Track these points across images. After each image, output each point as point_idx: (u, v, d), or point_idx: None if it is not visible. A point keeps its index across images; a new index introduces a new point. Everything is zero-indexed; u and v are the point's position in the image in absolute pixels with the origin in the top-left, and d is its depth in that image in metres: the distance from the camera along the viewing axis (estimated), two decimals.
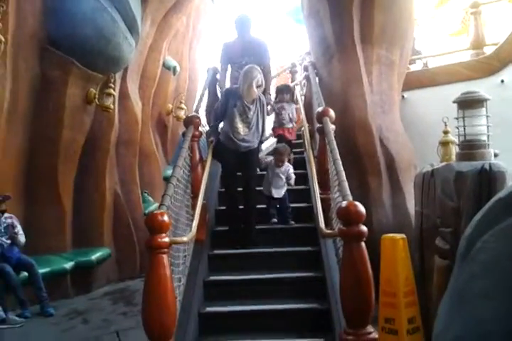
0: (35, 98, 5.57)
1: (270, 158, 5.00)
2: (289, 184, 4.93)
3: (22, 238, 5.11)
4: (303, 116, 5.96)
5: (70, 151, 5.98)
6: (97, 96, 6.04)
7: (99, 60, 5.83)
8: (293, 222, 4.83)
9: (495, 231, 2.36)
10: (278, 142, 6.02)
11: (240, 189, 4.74)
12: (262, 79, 4.64)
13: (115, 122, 6.65)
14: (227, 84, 5.88)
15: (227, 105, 4.63)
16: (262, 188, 4.96)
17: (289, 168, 4.99)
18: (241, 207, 4.72)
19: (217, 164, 5.17)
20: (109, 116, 6.46)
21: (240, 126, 4.57)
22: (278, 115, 6.01)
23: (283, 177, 4.88)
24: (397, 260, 2.86)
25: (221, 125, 4.90)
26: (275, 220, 4.85)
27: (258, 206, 4.82)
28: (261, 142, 4.92)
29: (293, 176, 4.95)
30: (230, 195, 4.71)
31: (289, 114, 6.02)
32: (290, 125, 6.06)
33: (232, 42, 5.87)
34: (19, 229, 5.11)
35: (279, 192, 4.85)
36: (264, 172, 5.07)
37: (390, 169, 5.43)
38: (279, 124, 6.03)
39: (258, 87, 4.58)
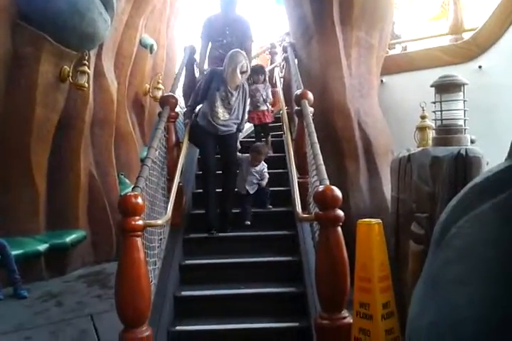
0: (7, 75, 5.38)
1: (246, 155, 4.80)
2: (259, 184, 4.79)
3: None
4: (281, 98, 5.91)
5: (43, 130, 5.81)
6: (70, 74, 5.87)
7: (73, 36, 5.63)
8: (270, 206, 4.80)
9: (470, 217, 2.35)
10: (255, 128, 5.88)
11: (218, 172, 4.66)
12: (248, 65, 4.52)
13: (90, 101, 6.47)
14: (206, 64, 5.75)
15: (209, 86, 4.52)
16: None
17: (263, 167, 4.84)
18: (218, 190, 4.62)
19: (194, 146, 5.09)
20: (83, 94, 6.29)
21: (221, 111, 4.47)
22: (252, 97, 5.63)
23: (257, 175, 4.75)
24: (372, 245, 2.85)
25: (199, 106, 4.77)
26: (248, 223, 4.62)
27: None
28: (239, 130, 4.77)
29: (267, 176, 4.81)
30: (207, 177, 4.58)
31: (262, 95, 5.76)
32: (265, 107, 5.82)
33: (214, 18, 5.64)
34: None
35: (253, 188, 4.75)
36: None
37: (367, 153, 5.44)
38: (253, 107, 5.71)
39: (242, 73, 4.44)
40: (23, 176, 5.70)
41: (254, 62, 6.99)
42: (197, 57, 5.90)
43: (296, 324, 3.43)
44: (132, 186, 3.37)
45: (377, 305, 2.76)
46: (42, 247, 5.64)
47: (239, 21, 5.56)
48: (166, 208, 3.82)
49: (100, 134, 7.11)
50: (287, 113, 5.50)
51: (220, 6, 5.70)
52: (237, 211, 4.70)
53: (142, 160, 7.77)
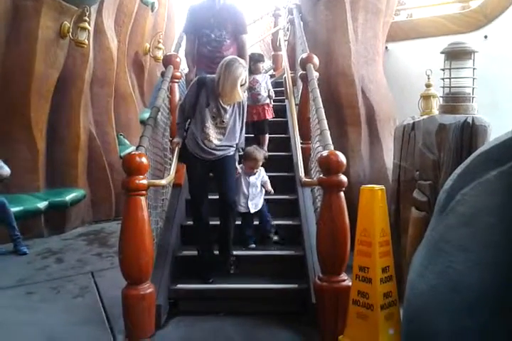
0: (7, 29, 5.29)
1: (239, 166, 4.01)
2: (268, 192, 4.11)
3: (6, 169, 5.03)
4: (285, 62, 5.83)
5: (43, 87, 5.75)
6: (71, 30, 5.76)
7: None
8: (276, 238, 4.07)
9: (475, 184, 2.37)
10: (253, 127, 5.00)
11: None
12: (247, 77, 3.57)
13: (90, 59, 6.37)
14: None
15: (197, 101, 3.59)
16: None
17: (261, 171, 4.14)
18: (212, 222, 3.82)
19: None
20: (83, 51, 6.18)
21: (212, 133, 3.57)
22: (251, 90, 4.87)
23: (258, 184, 4.04)
24: (374, 210, 2.88)
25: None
26: (253, 245, 4.00)
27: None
28: (238, 150, 3.83)
29: (267, 179, 4.14)
30: (198, 213, 3.73)
31: (264, 88, 5.01)
32: (266, 100, 5.05)
33: (199, 8, 4.62)
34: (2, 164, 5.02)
35: (256, 205, 4.02)
36: None
37: (369, 121, 5.42)
38: (253, 101, 4.93)
39: (242, 85, 3.51)
40: (22, 132, 5.68)
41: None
42: (183, 57, 4.84)
43: (295, 285, 3.51)
44: (132, 146, 3.34)
45: (377, 269, 2.81)
46: (41, 205, 5.68)
47: (228, 10, 4.54)
48: (169, 169, 3.83)
49: (100, 93, 7.04)
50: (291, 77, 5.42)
51: None
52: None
53: (142, 122, 7.81)
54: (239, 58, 3.61)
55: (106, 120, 7.15)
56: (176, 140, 3.74)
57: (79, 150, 6.38)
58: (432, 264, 2.28)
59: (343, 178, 3.10)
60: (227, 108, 3.58)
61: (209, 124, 3.55)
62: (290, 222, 4.13)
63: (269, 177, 4.42)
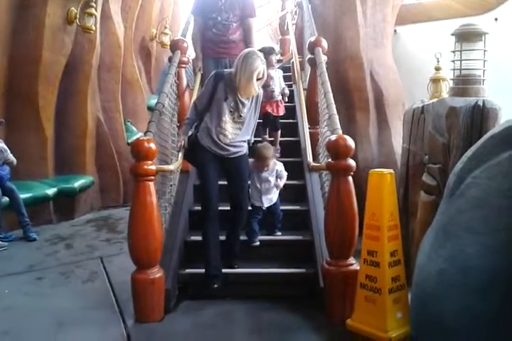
0: (14, 16, 5.29)
1: (251, 161, 3.81)
2: (277, 186, 3.86)
3: (12, 158, 5.06)
4: (293, 46, 5.77)
5: (51, 73, 5.74)
6: (78, 16, 5.74)
7: None
8: (279, 233, 3.92)
9: (486, 167, 2.35)
10: (264, 120, 4.74)
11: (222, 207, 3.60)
12: (265, 70, 3.40)
13: (97, 45, 6.36)
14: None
15: (213, 95, 3.43)
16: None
17: (276, 165, 3.89)
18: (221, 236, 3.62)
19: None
20: (90, 37, 6.17)
21: (229, 127, 3.43)
22: (265, 87, 4.53)
23: (272, 179, 3.83)
24: (383, 194, 2.86)
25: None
26: (257, 243, 3.80)
27: None
28: (248, 144, 3.67)
29: (284, 174, 3.89)
30: (207, 219, 3.47)
31: (279, 83, 4.80)
32: (280, 97, 4.82)
33: None
34: (8, 151, 5.04)
35: (271, 200, 3.85)
36: None
37: (378, 105, 5.39)
38: (266, 98, 4.64)
39: (258, 79, 3.38)
40: (30, 119, 5.70)
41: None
42: (189, 40, 4.77)
43: (303, 270, 3.51)
44: (140, 133, 3.33)
45: (385, 253, 2.81)
46: (50, 191, 5.71)
47: None
48: (177, 155, 3.82)
49: (107, 80, 7.03)
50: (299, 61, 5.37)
51: None
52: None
53: (149, 108, 7.79)
54: (257, 51, 3.47)
55: (113, 106, 7.15)
56: (181, 139, 3.59)
57: (87, 137, 6.39)
58: (442, 248, 2.27)
59: (352, 163, 3.08)
60: (246, 102, 3.45)
61: (226, 118, 3.41)
62: (298, 207, 4.12)
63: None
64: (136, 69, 8.07)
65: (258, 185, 3.80)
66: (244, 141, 3.56)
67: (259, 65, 3.32)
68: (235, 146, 3.49)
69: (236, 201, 3.55)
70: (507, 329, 1.96)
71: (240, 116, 3.45)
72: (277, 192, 3.87)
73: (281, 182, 3.84)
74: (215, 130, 3.42)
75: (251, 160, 3.79)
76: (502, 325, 1.98)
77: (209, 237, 3.46)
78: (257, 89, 3.40)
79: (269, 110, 4.75)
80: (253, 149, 3.78)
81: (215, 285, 3.36)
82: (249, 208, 3.78)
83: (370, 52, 5.38)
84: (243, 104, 3.44)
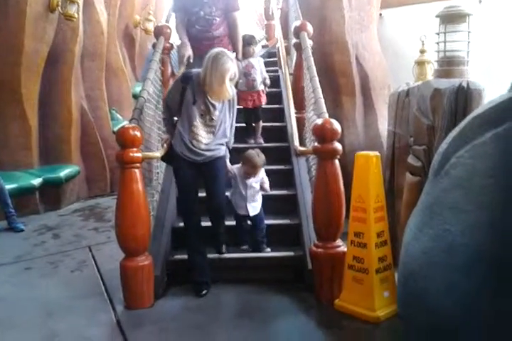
0: None
1: (237, 167, 3.65)
2: (265, 190, 3.72)
3: None
4: (279, 31, 5.74)
5: (33, 62, 5.67)
6: (59, 3, 5.64)
7: None
8: (269, 249, 3.67)
9: (470, 147, 2.36)
10: (246, 114, 4.67)
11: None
12: (236, 71, 3.18)
13: (79, 32, 6.27)
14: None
15: (182, 98, 3.24)
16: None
17: (260, 173, 3.70)
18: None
19: None
20: (73, 25, 6.08)
21: (201, 132, 3.25)
22: (246, 76, 4.52)
23: (257, 185, 3.66)
24: (369, 177, 2.89)
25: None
26: (245, 247, 3.72)
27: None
28: (228, 148, 3.49)
29: (267, 180, 3.72)
30: (193, 228, 3.41)
31: (260, 72, 4.63)
32: (262, 86, 4.68)
33: None
34: None
35: (255, 208, 3.67)
36: None
37: (364, 89, 5.38)
38: (247, 88, 4.58)
39: (230, 80, 3.15)
40: (13, 109, 5.63)
41: None
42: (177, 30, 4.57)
43: (292, 253, 3.53)
44: (125, 121, 3.30)
45: (372, 234, 2.85)
46: (36, 181, 5.65)
47: None
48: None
49: (91, 68, 6.94)
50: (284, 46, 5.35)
51: None
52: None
53: (134, 96, 7.72)
54: (226, 51, 3.23)
55: (98, 95, 7.07)
56: (165, 137, 3.50)
57: (71, 126, 6.32)
58: (427, 227, 2.29)
59: (338, 146, 3.09)
60: (216, 104, 3.25)
61: (197, 123, 3.23)
62: (285, 192, 4.13)
63: (265, 147, 4.37)
64: (120, 57, 7.98)
65: (243, 192, 3.61)
66: (221, 144, 3.37)
67: (231, 66, 3.10)
68: (210, 150, 3.31)
69: (212, 204, 3.37)
70: (490, 307, 2.00)
71: (212, 119, 3.26)
72: (260, 198, 3.71)
73: (267, 185, 3.69)
74: (188, 135, 3.25)
75: (238, 165, 3.63)
76: (485, 303, 2.01)
77: (194, 246, 3.38)
78: (230, 91, 3.17)
79: (250, 103, 4.63)
80: (244, 156, 3.61)
81: (203, 292, 3.27)
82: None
83: (355, 36, 5.35)
84: (214, 106, 3.24)
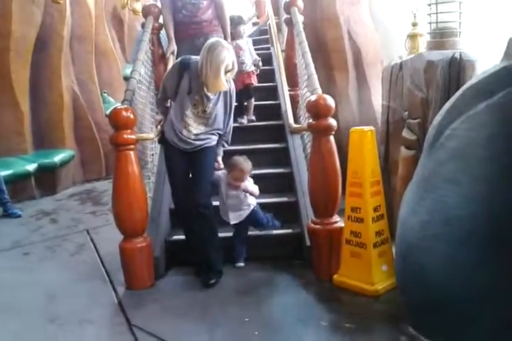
0: None
1: (223, 172, 3.46)
2: (253, 194, 3.47)
3: None
4: (269, 7, 5.66)
5: (22, 47, 5.61)
6: None
7: None
8: (242, 264, 3.44)
9: (464, 118, 2.35)
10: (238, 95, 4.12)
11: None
12: (234, 60, 3.06)
13: (67, 15, 6.19)
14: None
15: (179, 84, 3.16)
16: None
17: (247, 182, 3.46)
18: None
19: None
20: (60, 8, 6.00)
21: (193, 123, 3.17)
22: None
23: (241, 195, 3.42)
24: (364, 152, 2.89)
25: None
26: (242, 264, 3.44)
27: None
28: (223, 144, 3.40)
29: (256, 190, 3.46)
30: (183, 216, 3.33)
31: (249, 54, 4.56)
32: (252, 68, 4.60)
33: None
34: None
35: (239, 216, 3.44)
36: None
37: (357, 64, 5.32)
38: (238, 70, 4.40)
39: (228, 72, 3.05)
40: (4, 95, 5.59)
41: None
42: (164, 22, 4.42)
43: (290, 230, 3.55)
44: (118, 103, 3.26)
45: (368, 209, 2.86)
46: (31, 167, 5.63)
47: None
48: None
49: (80, 51, 6.87)
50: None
51: None
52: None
53: (125, 78, 7.63)
54: (223, 41, 3.15)
55: (88, 78, 7.01)
56: (158, 117, 3.44)
57: (63, 111, 6.28)
58: (424, 200, 2.30)
59: (333, 122, 3.08)
60: (211, 96, 3.14)
61: (189, 112, 3.15)
62: (282, 170, 4.12)
63: (259, 126, 4.33)
64: (109, 39, 7.88)
65: (225, 200, 3.44)
66: (213, 133, 3.26)
67: (226, 56, 2.98)
68: (200, 139, 3.21)
69: (194, 196, 3.17)
70: (487, 278, 2.02)
71: (205, 110, 3.16)
72: (248, 211, 3.44)
73: (255, 190, 3.46)
74: (179, 124, 3.18)
75: (223, 171, 3.45)
76: (483, 274, 2.03)
77: (188, 229, 3.34)
78: (225, 83, 3.05)
79: (239, 84, 4.39)
80: (231, 161, 3.44)
81: (212, 281, 3.15)
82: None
83: (346, 10, 5.27)
84: (208, 98, 3.14)
